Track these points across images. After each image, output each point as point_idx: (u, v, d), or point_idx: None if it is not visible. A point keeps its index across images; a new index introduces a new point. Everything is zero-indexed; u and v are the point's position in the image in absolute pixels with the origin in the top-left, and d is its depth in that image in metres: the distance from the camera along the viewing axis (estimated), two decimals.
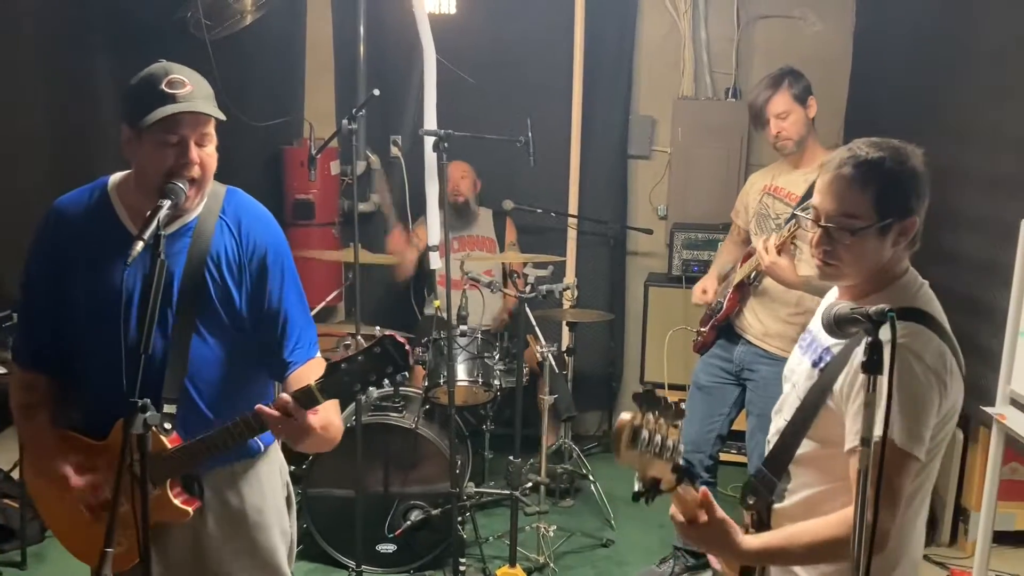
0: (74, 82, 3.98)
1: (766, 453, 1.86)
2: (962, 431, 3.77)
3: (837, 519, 1.61)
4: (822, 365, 1.71)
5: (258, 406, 1.79)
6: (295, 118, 5.11)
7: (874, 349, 1.30)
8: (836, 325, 1.41)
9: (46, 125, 3.88)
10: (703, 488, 1.59)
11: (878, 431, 1.31)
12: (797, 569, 1.76)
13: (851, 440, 1.60)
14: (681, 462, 1.46)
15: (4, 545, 3.64)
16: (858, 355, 1.52)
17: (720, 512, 1.61)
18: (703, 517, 1.60)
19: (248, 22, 4.35)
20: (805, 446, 1.75)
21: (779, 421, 1.86)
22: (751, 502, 1.81)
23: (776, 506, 1.79)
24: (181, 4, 4.08)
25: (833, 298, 1.83)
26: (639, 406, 1.40)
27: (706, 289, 3.46)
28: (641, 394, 1.42)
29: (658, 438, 1.41)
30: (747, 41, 4.98)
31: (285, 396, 1.78)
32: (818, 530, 1.63)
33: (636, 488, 1.47)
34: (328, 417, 1.87)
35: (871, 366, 1.30)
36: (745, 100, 3.91)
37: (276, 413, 1.78)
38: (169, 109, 1.77)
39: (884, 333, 1.34)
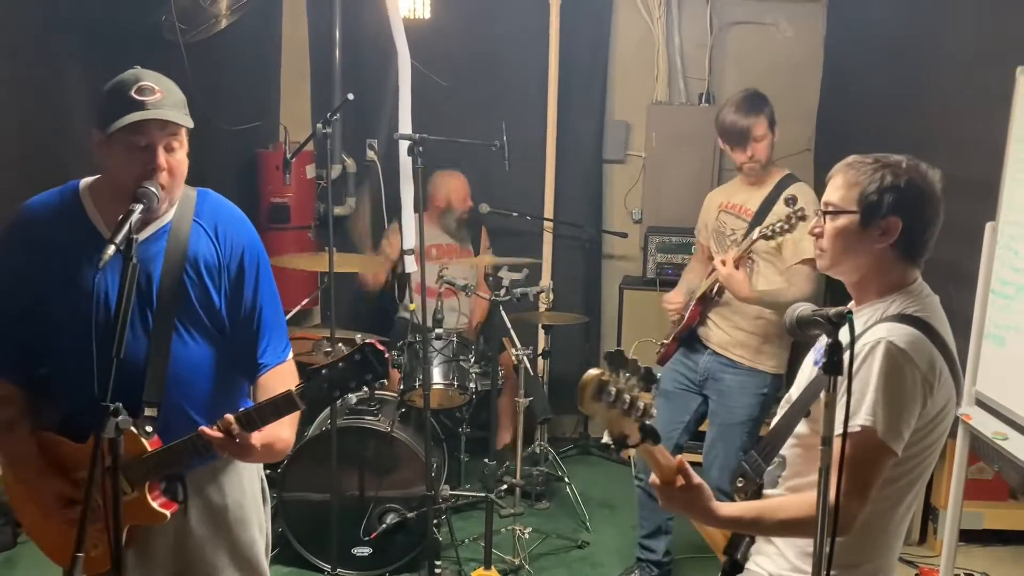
0: (45, 86, 3.95)
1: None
2: None
3: (808, 501, 1.67)
4: (820, 363, 1.77)
5: (201, 428, 1.84)
6: (270, 122, 5.10)
7: (833, 350, 1.34)
8: (798, 326, 1.45)
9: (16, 129, 3.85)
10: (679, 457, 1.67)
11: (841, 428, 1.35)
12: (790, 555, 1.81)
13: (826, 429, 1.65)
14: (649, 423, 1.53)
15: None
16: (823, 344, 1.60)
17: (697, 478, 1.68)
18: (680, 482, 1.66)
19: (223, 26, 4.34)
20: (801, 438, 1.81)
21: (779, 413, 1.93)
22: (739, 484, 1.88)
23: (767, 491, 1.86)
24: (155, 8, 4.07)
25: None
26: (608, 364, 1.47)
27: (675, 303, 3.48)
28: (611, 353, 1.48)
29: (627, 397, 1.47)
30: (720, 47, 5.04)
31: (228, 416, 1.82)
32: (792, 508, 1.71)
33: (604, 440, 1.57)
34: (276, 433, 1.90)
35: (830, 367, 1.33)
36: (718, 105, 3.95)
37: (218, 434, 1.82)
38: (136, 116, 1.79)
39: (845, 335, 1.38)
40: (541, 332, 4.75)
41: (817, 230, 1.83)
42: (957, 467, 2.98)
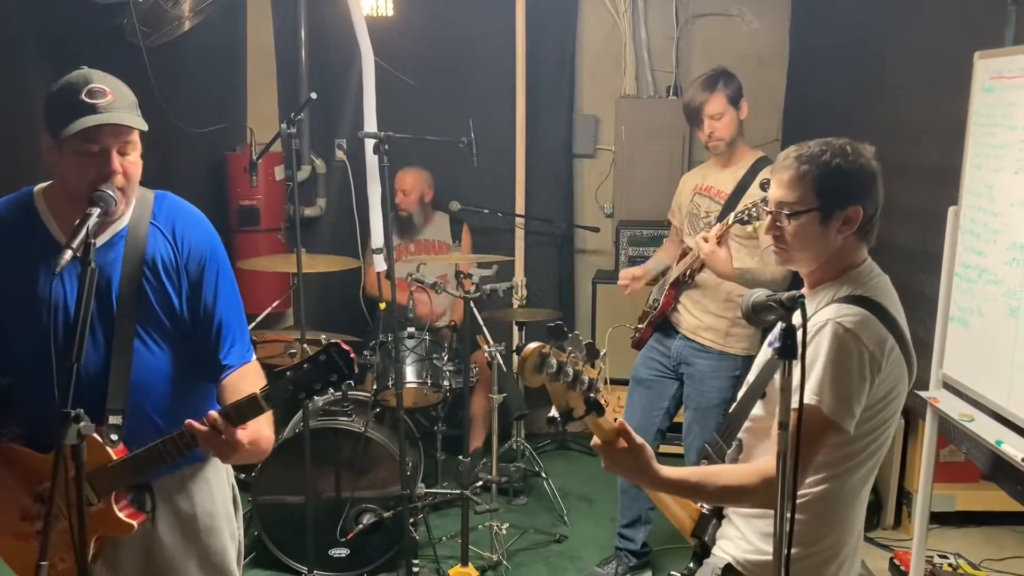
0: (5, 91, 3.90)
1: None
2: (903, 416, 3.87)
3: (750, 469, 1.73)
4: (774, 346, 1.78)
5: (188, 421, 1.80)
6: (237, 124, 5.06)
7: (787, 334, 1.35)
8: (753, 311, 1.46)
9: None
10: (620, 420, 1.69)
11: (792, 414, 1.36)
12: (751, 537, 1.83)
13: (783, 414, 1.66)
14: (594, 396, 1.57)
15: None
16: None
17: (638, 439, 1.69)
18: (622, 443, 1.68)
19: (186, 28, 4.30)
20: (756, 420, 1.83)
21: (738, 396, 1.96)
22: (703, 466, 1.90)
23: (748, 463, 1.86)
24: (117, 11, 4.02)
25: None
26: (549, 338, 1.53)
27: (636, 276, 3.49)
28: (551, 327, 1.55)
29: (570, 370, 1.52)
30: (686, 39, 5.06)
31: (213, 413, 1.79)
32: (733, 474, 1.74)
33: (550, 414, 1.61)
34: (259, 431, 1.87)
35: (784, 351, 1.35)
36: None
37: (205, 429, 1.78)
38: (89, 121, 1.75)
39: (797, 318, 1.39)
40: (515, 329, 4.75)
41: (776, 233, 1.82)
42: (926, 450, 3.00)
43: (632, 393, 3.54)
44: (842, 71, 4.28)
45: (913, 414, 3.75)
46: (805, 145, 1.81)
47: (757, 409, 1.82)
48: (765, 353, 1.87)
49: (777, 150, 4.79)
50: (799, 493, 1.64)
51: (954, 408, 2.84)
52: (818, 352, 1.66)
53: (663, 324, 3.44)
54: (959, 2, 3.23)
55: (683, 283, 3.33)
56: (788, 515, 1.36)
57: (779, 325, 1.37)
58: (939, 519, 3.93)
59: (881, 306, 1.71)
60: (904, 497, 4.04)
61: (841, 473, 1.73)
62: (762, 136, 4.75)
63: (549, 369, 1.50)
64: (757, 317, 1.47)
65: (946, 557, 3.52)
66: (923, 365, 3.12)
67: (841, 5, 4.28)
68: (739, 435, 1.86)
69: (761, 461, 1.72)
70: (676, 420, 3.56)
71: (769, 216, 1.85)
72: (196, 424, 1.79)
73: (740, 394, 1.94)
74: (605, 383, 1.67)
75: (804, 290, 1.86)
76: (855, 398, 1.66)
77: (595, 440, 1.71)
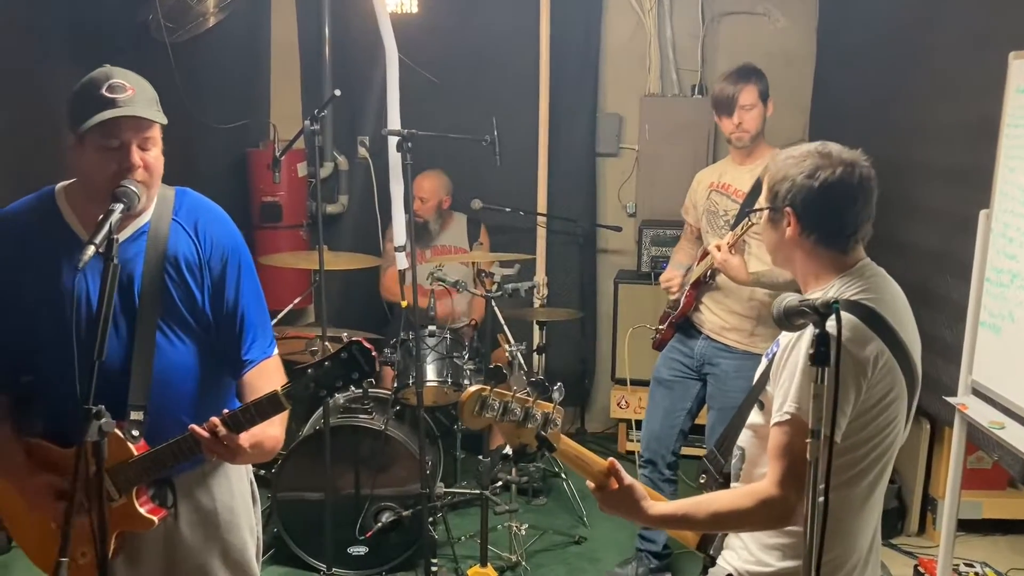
0: (33, 88, 3.92)
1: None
2: (928, 422, 3.82)
3: (743, 492, 1.72)
4: (770, 355, 1.79)
5: (191, 426, 1.81)
6: (260, 120, 5.07)
7: (821, 341, 1.32)
8: (785, 317, 1.43)
9: (4, 131, 3.82)
10: (611, 459, 1.73)
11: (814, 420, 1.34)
12: (753, 548, 1.81)
13: (776, 414, 1.67)
14: (545, 433, 1.62)
15: None
16: (784, 336, 1.67)
17: (628, 479, 1.72)
18: (613, 484, 1.71)
19: (211, 24, 4.32)
20: (756, 428, 1.81)
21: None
22: (702, 481, 1.92)
23: (733, 484, 1.86)
24: (142, 8, 4.04)
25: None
26: (490, 379, 1.60)
27: (671, 278, 3.48)
28: (490, 369, 1.67)
29: (517, 409, 1.58)
30: (712, 38, 5.01)
31: (215, 419, 1.80)
32: (723, 500, 1.74)
33: (505, 451, 1.67)
34: (263, 432, 1.87)
35: (819, 358, 1.32)
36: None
37: (206, 435, 1.79)
38: (108, 114, 1.76)
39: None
40: (536, 328, 4.73)
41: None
42: (954, 456, 2.96)
43: (653, 394, 3.51)
44: (870, 71, 4.22)
45: (939, 421, 3.70)
46: (782, 151, 1.85)
47: (757, 418, 1.79)
48: (763, 364, 1.84)
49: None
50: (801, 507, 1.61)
51: (984, 415, 2.79)
52: (798, 360, 1.63)
53: (684, 325, 3.41)
54: (994, 1, 3.17)
55: (704, 284, 3.30)
56: (817, 526, 1.32)
57: (779, 336, 1.35)
58: (965, 526, 3.86)
59: (871, 310, 1.67)
60: (929, 503, 3.99)
61: (842, 483, 1.70)
62: (787, 137, 4.68)
63: (490, 411, 1.56)
64: (789, 322, 1.44)
65: (972, 566, 3.46)
66: (951, 371, 3.09)
67: (870, 4, 4.23)
68: (740, 444, 1.83)
69: (755, 484, 1.71)
70: (699, 422, 3.52)
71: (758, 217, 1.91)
72: (198, 429, 1.80)
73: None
74: (562, 416, 1.71)
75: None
76: (839, 407, 1.60)
77: (589, 483, 1.75)
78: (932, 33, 3.62)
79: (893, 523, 3.95)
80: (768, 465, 1.69)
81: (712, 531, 1.84)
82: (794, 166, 1.76)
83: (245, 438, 1.82)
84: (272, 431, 1.92)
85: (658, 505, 1.74)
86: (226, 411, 1.83)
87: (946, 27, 3.51)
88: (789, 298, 1.44)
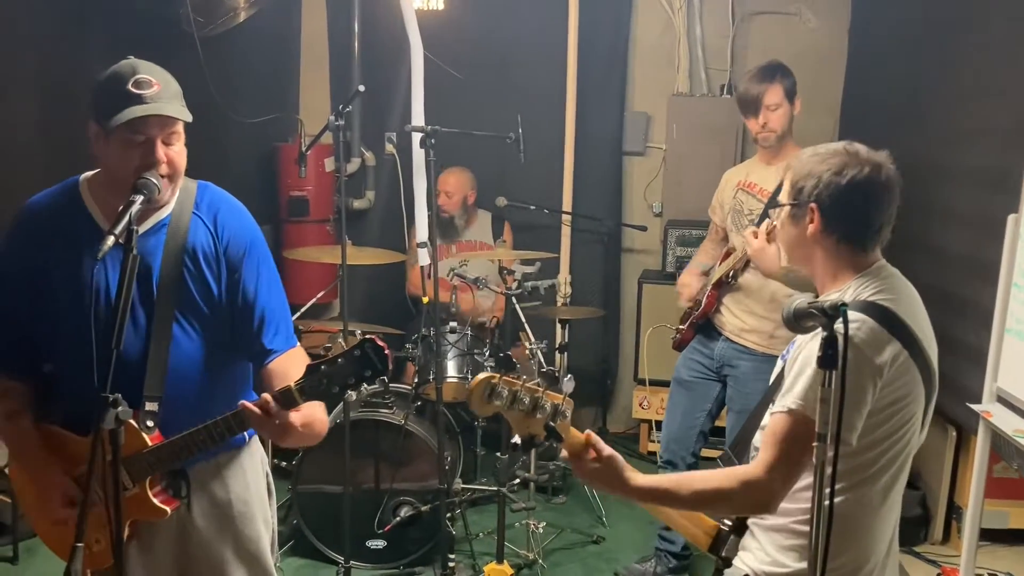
0: (66, 80, 3.99)
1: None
2: (954, 429, 3.76)
3: (728, 472, 1.72)
4: (786, 356, 1.78)
5: (242, 402, 1.80)
6: (289, 115, 5.12)
7: (829, 344, 1.31)
8: (795, 319, 1.42)
9: (38, 123, 3.89)
10: (587, 431, 1.70)
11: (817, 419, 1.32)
12: (770, 549, 1.80)
13: (778, 403, 1.67)
14: (555, 424, 1.61)
15: None
16: (800, 337, 1.66)
17: (608, 450, 1.69)
18: (591, 454, 1.69)
19: (241, 19, 4.35)
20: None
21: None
22: None
23: (725, 468, 1.85)
24: (173, 2, 4.08)
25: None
26: (500, 368, 1.56)
27: (688, 283, 3.46)
28: (500, 357, 1.61)
29: (526, 398, 1.58)
30: (742, 38, 4.97)
31: (267, 396, 1.79)
32: (708, 479, 1.72)
33: (513, 440, 1.66)
34: (313, 413, 1.87)
35: (827, 361, 1.31)
36: None
37: (258, 412, 1.79)
38: (135, 111, 1.77)
39: None
40: (559, 326, 4.73)
41: (771, 228, 1.84)
42: (978, 465, 2.91)
43: (673, 394, 3.50)
44: (901, 72, 4.17)
45: (965, 428, 3.64)
46: (806, 150, 1.84)
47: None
48: (778, 365, 1.84)
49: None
50: (803, 506, 1.61)
51: (1008, 423, 2.74)
52: (810, 358, 1.61)
53: (705, 326, 3.39)
54: None
55: (726, 284, 3.27)
56: (823, 529, 1.31)
57: (796, 338, 1.35)
58: (990, 536, 3.80)
59: (888, 311, 1.66)
60: (954, 512, 3.93)
61: (856, 485, 1.69)
62: (817, 137, 4.59)
63: (499, 399, 1.56)
64: (798, 324, 1.43)
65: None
66: (978, 377, 3.04)
67: (902, 5, 4.17)
68: (756, 445, 1.82)
69: (742, 466, 1.71)
70: (720, 424, 3.51)
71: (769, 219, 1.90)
72: (249, 405, 1.79)
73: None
74: (572, 408, 1.70)
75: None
76: (853, 408, 1.60)
77: (563, 452, 1.72)
78: (965, 35, 3.57)
79: (917, 531, 3.90)
80: (760, 450, 1.68)
81: (693, 510, 1.80)
82: (820, 163, 1.75)
83: (296, 417, 1.81)
84: (320, 414, 1.92)
85: (640, 477, 1.71)
86: (277, 389, 1.81)
87: (979, 30, 3.46)
88: (798, 300, 1.43)
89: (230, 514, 2.07)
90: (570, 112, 4.88)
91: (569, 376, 1.68)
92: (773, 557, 1.77)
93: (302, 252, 4.20)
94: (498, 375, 1.59)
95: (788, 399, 1.62)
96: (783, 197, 1.85)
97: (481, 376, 1.60)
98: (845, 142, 1.79)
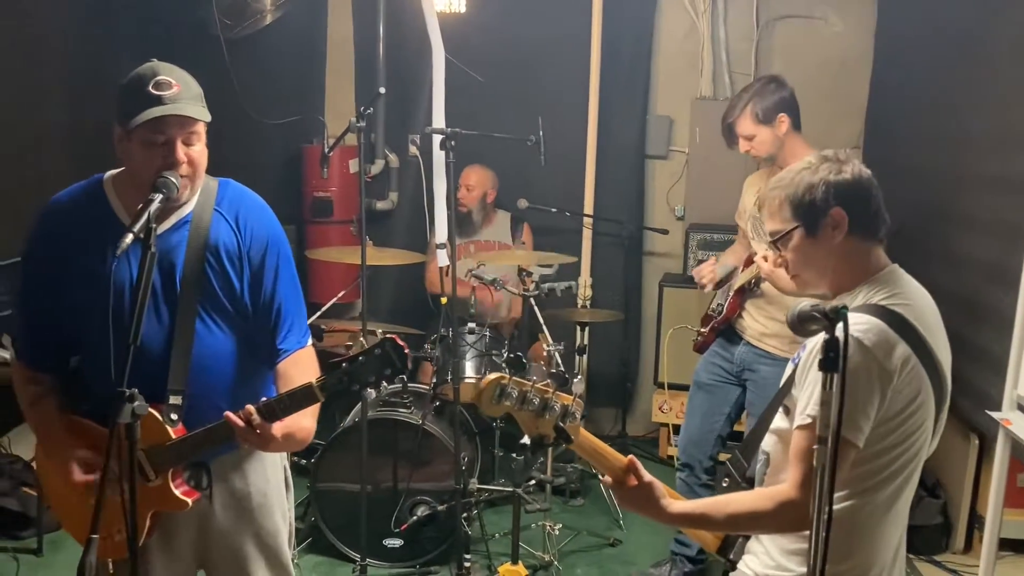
0: (94, 82, 4.07)
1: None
2: (976, 437, 3.73)
3: (762, 494, 1.73)
4: (796, 360, 1.78)
5: (226, 413, 1.85)
6: (314, 117, 5.17)
7: (830, 346, 1.32)
8: (799, 322, 1.43)
9: (67, 124, 3.97)
10: (630, 456, 1.74)
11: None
12: (774, 553, 1.80)
13: (798, 418, 1.67)
14: (564, 424, 1.64)
15: (22, 532, 3.71)
16: (811, 341, 1.67)
17: (647, 476, 1.74)
18: (632, 481, 1.73)
19: (268, 22, 4.41)
20: (780, 433, 1.80)
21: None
22: (724, 484, 1.92)
23: (757, 488, 1.85)
24: (201, 4, 4.14)
25: None
26: (509, 369, 1.58)
27: (702, 270, 3.45)
28: (511, 358, 1.62)
29: (535, 399, 1.60)
30: (766, 41, 4.95)
31: (250, 408, 1.84)
32: (743, 502, 1.73)
33: (522, 441, 1.70)
34: (296, 423, 1.91)
35: (828, 364, 1.31)
36: None
37: (240, 423, 1.84)
38: (155, 112, 1.82)
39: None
40: (578, 329, 4.73)
41: (779, 262, 1.84)
42: (997, 473, 2.89)
43: (693, 397, 3.50)
44: (928, 78, 4.13)
45: (988, 436, 3.60)
46: (781, 173, 1.85)
47: (782, 422, 1.78)
48: (789, 368, 1.84)
49: (857, 157, 4.72)
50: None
51: None
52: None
53: (726, 330, 3.39)
54: None
55: (748, 291, 3.27)
56: (823, 533, 1.32)
57: (807, 342, 1.35)
58: (1013, 546, 3.76)
59: (897, 314, 1.65)
60: (976, 521, 3.88)
61: (865, 490, 1.68)
62: (843, 142, 4.62)
63: (508, 399, 1.58)
64: (802, 327, 1.44)
65: None
66: (998, 384, 3.01)
67: (929, 9, 4.14)
68: (765, 449, 1.83)
69: (775, 487, 1.71)
70: (739, 428, 3.50)
71: (773, 250, 1.87)
72: (232, 416, 1.85)
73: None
74: (582, 409, 1.74)
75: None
76: (861, 411, 1.60)
77: (606, 478, 1.77)
78: (991, 40, 3.54)
79: (938, 539, 3.87)
80: (789, 468, 1.68)
81: (730, 532, 1.83)
82: (813, 174, 1.76)
83: (278, 428, 1.87)
84: (304, 422, 1.96)
85: (676, 504, 1.74)
86: (263, 400, 1.87)
87: (1006, 34, 3.42)
88: (802, 303, 1.43)
89: (249, 506, 2.11)
90: (592, 115, 4.88)
91: (579, 377, 1.70)
92: (778, 561, 1.78)
93: (324, 252, 4.25)
94: (508, 376, 1.61)
95: (808, 409, 1.63)
96: (779, 224, 1.81)
97: (491, 376, 1.62)
98: (812, 155, 1.82)
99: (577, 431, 1.70)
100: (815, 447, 1.34)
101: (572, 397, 1.65)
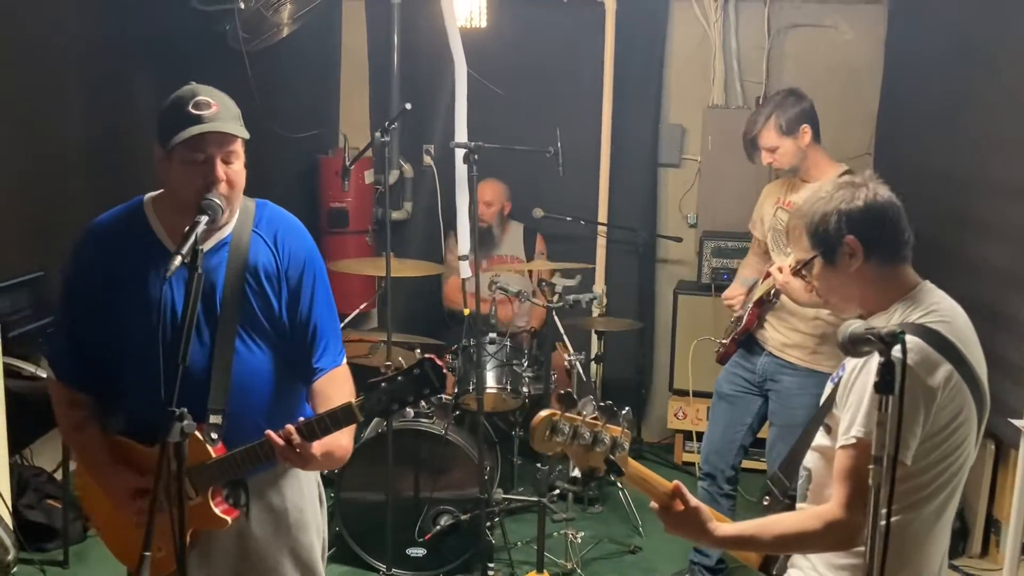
0: (114, 96, 4.09)
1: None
2: (993, 442, 3.75)
3: (809, 514, 1.74)
4: (836, 379, 1.80)
5: (267, 432, 1.88)
6: (330, 129, 5.20)
7: (887, 369, 1.34)
8: (851, 344, 1.45)
9: (85, 138, 3.99)
10: (676, 481, 1.75)
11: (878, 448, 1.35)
12: (821, 568, 1.81)
13: (842, 438, 1.69)
14: (614, 456, 1.65)
15: (47, 544, 3.73)
16: (851, 360, 1.69)
17: (693, 500, 1.74)
18: (678, 506, 1.73)
19: (285, 34, 4.44)
20: (823, 450, 1.82)
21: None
22: (766, 503, 1.92)
23: (799, 504, 1.87)
24: (220, 18, 4.17)
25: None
26: (560, 405, 1.62)
27: (734, 296, 3.49)
28: (561, 394, 1.65)
29: (586, 433, 1.61)
30: (778, 50, 4.98)
31: (290, 427, 1.86)
32: (790, 523, 1.76)
33: (573, 474, 1.71)
34: (335, 441, 1.93)
35: (884, 386, 1.34)
36: None
37: (281, 443, 1.86)
38: (195, 130, 1.85)
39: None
40: (595, 337, 4.76)
41: (809, 289, 1.90)
42: (1019, 480, 2.91)
43: (715, 408, 3.52)
44: (939, 84, 4.16)
45: (1005, 442, 3.63)
46: (802, 204, 1.90)
47: (823, 440, 1.80)
48: (828, 387, 1.86)
49: (868, 165, 4.78)
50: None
51: None
52: (866, 384, 1.64)
53: (747, 341, 3.41)
54: None
55: (768, 302, 3.30)
56: (880, 552, 1.34)
57: (845, 360, 1.37)
58: None
59: (937, 332, 1.68)
60: (992, 525, 3.91)
61: (910, 506, 1.71)
62: (854, 150, 4.66)
63: (560, 435, 1.59)
64: (854, 348, 1.46)
65: None
66: (1014, 390, 3.04)
67: (940, 17, 4.17)
68: (807, 466, 1.85)
69: (821, 507, 1.73)
70: (760, 436, 3.52)
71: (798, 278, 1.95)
72: (273, 436, 1.87)
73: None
74: (630, 439, 1.74)
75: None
76: (908, 430, 1.62)
77: (652, 504, 1.78)
78: (1003, 46, 3.56)
79: (955, 544, 3.88)
80: (834, 487, 1.70)
81: (777, 552, 1.84)
82: (827, 203, 1.80)
83: (317, 447, 1.88)
84: (343, 440, 1.98)
85: (723, 527, 1.75)
86: (301, 419, 1.90)
87: (1017, 39, 3.45)
88: (855, 325, 1.46)
89: (286, 522, 2.12)
90: (606, 124, 4.91)
91: (627, 410, 1.72)
92: None
93: (342, 264, 4.27)
94: (559, 412, 1.62)
95: (852, 429, 1.65)
96: (801, 254, 1.88)
97: (543, 414, 1.63)
98: (831, 180, 1.87)
99: (626, 462, 1.72)
100: (871, 467, 1.36)
101: (620, 429, 1.66)
